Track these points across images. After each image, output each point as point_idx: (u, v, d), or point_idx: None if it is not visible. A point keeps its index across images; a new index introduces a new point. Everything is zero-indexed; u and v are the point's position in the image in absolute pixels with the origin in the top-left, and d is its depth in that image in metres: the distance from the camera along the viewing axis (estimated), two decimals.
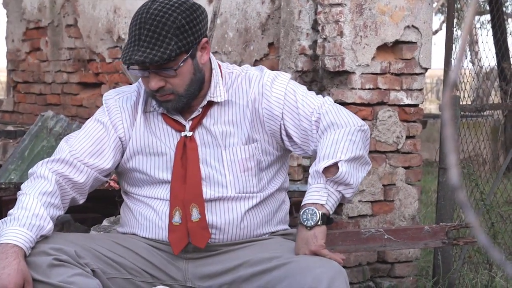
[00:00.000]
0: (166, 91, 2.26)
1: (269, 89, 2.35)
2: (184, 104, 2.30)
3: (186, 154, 2.33)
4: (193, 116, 2.35)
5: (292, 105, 2.33)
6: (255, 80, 2.37)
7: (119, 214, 2.84)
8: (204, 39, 2.30)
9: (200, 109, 2.34)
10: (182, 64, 2.24)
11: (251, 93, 2.35)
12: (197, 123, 2.34)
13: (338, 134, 2.26)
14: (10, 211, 2.21)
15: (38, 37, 6.28)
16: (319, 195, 2.21)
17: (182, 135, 2.34)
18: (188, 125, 2.35)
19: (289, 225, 2.52)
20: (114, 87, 5.23)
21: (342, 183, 2.22)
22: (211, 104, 2.35)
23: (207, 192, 2.31)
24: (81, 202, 2.38)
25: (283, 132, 2.35)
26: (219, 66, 2.39)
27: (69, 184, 2.31)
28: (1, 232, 2.16)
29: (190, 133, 2.34)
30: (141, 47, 2.20)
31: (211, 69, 2.36)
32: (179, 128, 2.35)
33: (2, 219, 2.20)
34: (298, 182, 3.71)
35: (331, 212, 2.22)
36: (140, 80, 2.43)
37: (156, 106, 2.37)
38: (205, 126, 2.35)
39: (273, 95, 2.34)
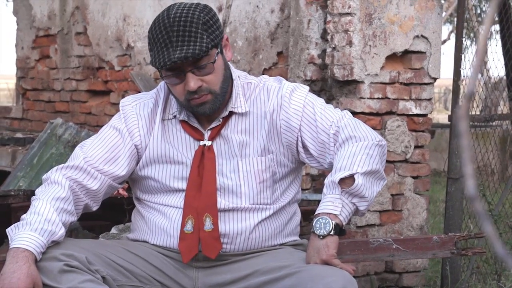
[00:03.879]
0: (203, 91, 2.25)
1: (287, 101, 2.35)
2: (220, 104, 2.29)
3: (203, 163, 2.33)
4: (212, 126, 2.35)
5: (310, 117, 2.34)
6: (273, 92, 2.37)
7: (128, 221, 2.84)
8: (225, 36, 2.32)
9: (221, 119, 2.34)
10: (216, 58, 2.25)
11: (269, 104, 2.36)
12: (216, 133, 2.34)
13: (355, 147, 2.26)
14: (23, 216, 2.22)
15: (47, 45, 6.31)
16: (333, 205, 2.21)
17: (201, 144, 2.34)
18: (207, 134, 2.35)
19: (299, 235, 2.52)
20: (123, 95, 5.25)
21: (357, 195, 2.22)
22: (230, 114, 2.36)
23: (222, 202, 2.32)
24: (94, 209, 2.38)
25: (300, 144, 2.35)
26: (238, 77, 2.40)
27: (83, 190, 2.31)
28: (13, 237, 2.16)
29: (209, 143, 2.34)
30: (176, 47, 2.19)
31: (232, 79, 2.37)
32: (198, 137, 2.35)
33: (15, 224, 2.21)
34: (306, 191, 3.71)
35: (344, 223, 2.22)
36: (158, 87, 2.42)
37: (177, 113, 2.35)
38: (223, 136, 2.35)
39: (291, 106, 2.34)
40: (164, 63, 2.19)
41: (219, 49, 2.27)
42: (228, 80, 2.32)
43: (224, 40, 2.32)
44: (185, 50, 2.18)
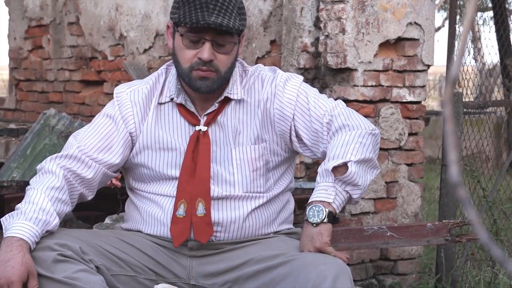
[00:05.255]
0: (212, 66, 2.27)
1: (281, 90, 2.35)
2: (217, 87, 2.30)
3: (198, 148, 2.33)
4: (208, 111, 2.35)
5: (304, 106, 2.34)
6: (268, 81, 2.38)
7: (122, 212, 2.84)
8: (244, 32, 2.35)
9: (217, 104, 2.34)
10: (236, 43, 2.29)
11: (263, 93, 2.36)
12: (212, 119, 2.34)
13: (349, 136, 2.27)
14: (18, 206, 2.22)
15: (40, 35, 6.28)
16: (326, 193, 2.21)
17: (196, 129, 2.34)
18: (203, 120, 2.35)
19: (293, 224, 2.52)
20: (116, 85, 5.23)
21: (351, 183, 2.22)
22: (226, 101, 2.36)
23: (215, 189, 2.32)
24: (89, 198, 2.37)
25: (293, 133, 2.35)
26: (237, 65, 2.41)
27: (77, 179, 2.30)
28: (7, 226, 2.17)
29: (205, 128, 2.34)
30: (212, 14, 2.22)
31: None
32: (194, 121, 2.35)
33: (10, 213, 2.21)
34: (301, 180, 3.71)
35: (337, 211, 2.22)
36: (159, 71, 2.41)
37: (175, 95, 2.35)
38: (219, 123, 2.35)
39: (285, 96, 2.35)
40: (198, 22, 2.21)
41: (239, 38, 2.31)
42: (232, 70, 2.34)
43: (242, 35, 2.35)
44: (221, 19, 2.22)
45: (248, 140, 2.35)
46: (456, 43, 3.78)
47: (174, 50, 2.32)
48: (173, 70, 2.39)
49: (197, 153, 2.32)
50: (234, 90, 2.36)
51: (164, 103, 2.37)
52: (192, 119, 2.35)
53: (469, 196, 3.96)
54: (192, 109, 2.35)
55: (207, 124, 2.34)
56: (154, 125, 2.36)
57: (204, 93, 2.30)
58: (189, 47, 2.26)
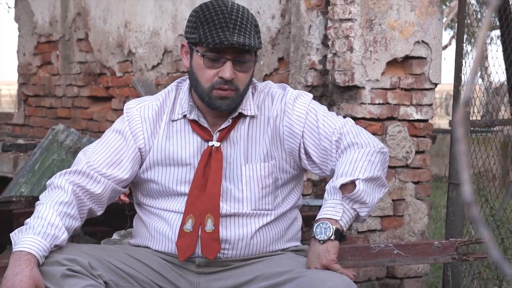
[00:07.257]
0: (232, 85, 2.29)
1: (291, 107, 2.37)
2: (236, 105, 2.33)
3: (210, 164, 2.34)
4: (222, 126, 2.36)
5: (313, 124, 2.35)
6: (277, 98, 2.39)
7: (129, 227, 2.84)
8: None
9: (230, 120, 2.36)
10: (254, 60, 2.31)
11: (273, 110, 2.38)
12: (225, 135, 2.36)
13: (357, 154, 2.28)
14: (27, 220, 2.23)
15: (49, 51, 6.32)
16: (334, 211, 2.22)
17: (209, 145, 2.35)
18: (216, 136, 2.36)
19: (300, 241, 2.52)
20: (125, 101, 5.26)
21: (358, 201, 2.23)
22: (238, 117, 2.37)
23: (223, 207, 2.32)
24: (99, 213, 2.38)
25: (302, 151, 2.36)
26: None
27: (86, 195, 2.32)
28: (16, 241, 2.18)
29: (218, 144, 2.35)
30: (234, 33, 2.24)
31: None
32: (207, 137, 2.36)
33: (19, 228, 2.22)
34: (308, 197, 3.71)
35: (345, 229, 2.23)
36: (169, 88, 2.42)
37: (187, 112, 2.36)
38: (231, 139, 2.37)
39: (294, 113, 2.36)
40: (221, 42, 2.22)
41: (256, 56, 2.33)
42: (249, 87, 2.37)
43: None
44: (242, 38, 2.24)
45: (258, 157, 2.36)
46: (463, 61, 3.79)
47: (192, 69, 2.33)
48: (184, 87, 2.41)
49: (209, 168, 2.33)
50: (247, 106, 2.37)
51: (177, 120, 2.39)
52: (205, 134, 2.36)
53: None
54: (205, 124, 2.36)
55: (220, 140, 2.36)
56: (165, 141, 2.37)
57: (223, 112, 2.32)
58: (209, 67, 2.28)
